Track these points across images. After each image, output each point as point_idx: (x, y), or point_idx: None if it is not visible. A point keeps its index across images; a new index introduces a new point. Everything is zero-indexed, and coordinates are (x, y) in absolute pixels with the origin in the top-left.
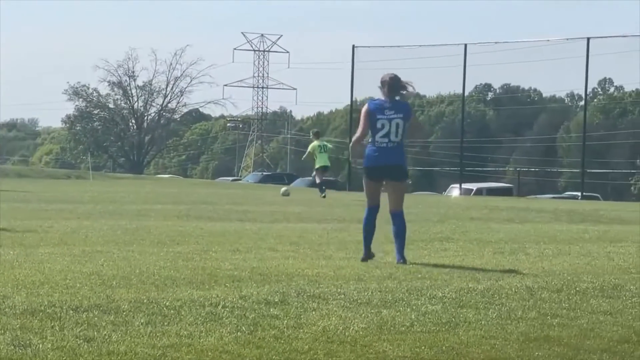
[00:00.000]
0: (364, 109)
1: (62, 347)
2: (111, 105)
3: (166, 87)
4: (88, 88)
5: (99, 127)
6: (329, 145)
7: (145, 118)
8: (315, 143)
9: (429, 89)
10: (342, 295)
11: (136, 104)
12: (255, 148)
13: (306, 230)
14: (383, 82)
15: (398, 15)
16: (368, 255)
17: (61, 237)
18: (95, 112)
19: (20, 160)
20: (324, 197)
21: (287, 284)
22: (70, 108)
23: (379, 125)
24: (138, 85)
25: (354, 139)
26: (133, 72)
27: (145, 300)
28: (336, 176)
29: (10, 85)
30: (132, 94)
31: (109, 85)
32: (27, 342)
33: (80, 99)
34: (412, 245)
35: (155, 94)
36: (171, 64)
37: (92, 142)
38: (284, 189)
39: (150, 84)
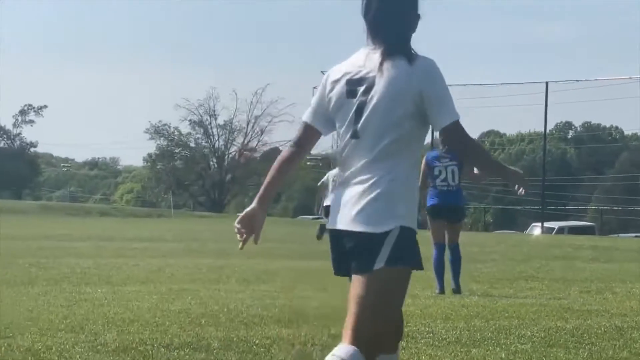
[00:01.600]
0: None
1: None
2: (192, 144)
3: (247, 126)
4: (169, 127)
5: (180, 166)
6: None
7: (226, 157)
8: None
9: (510, 127)
10: (431, 334)
11: (217, 142)
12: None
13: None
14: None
15: (479, 54)
16: (442, 289)
17: (147, 275)
18: (177, 150)
19: (101, 199)
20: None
21: None
22: (151, 147)
23: (436, 172)
24: (219, 124)
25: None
26: (214, 111)
27: (234, 339)
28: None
29: (92, 124)
30: (212, 132)
31: (190, 124)
32: None
33: (162, 138)
34: (498, 284)
35: (235, 132)
36: (252, 102)
37: (173, 180)
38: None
39: (231, 123)
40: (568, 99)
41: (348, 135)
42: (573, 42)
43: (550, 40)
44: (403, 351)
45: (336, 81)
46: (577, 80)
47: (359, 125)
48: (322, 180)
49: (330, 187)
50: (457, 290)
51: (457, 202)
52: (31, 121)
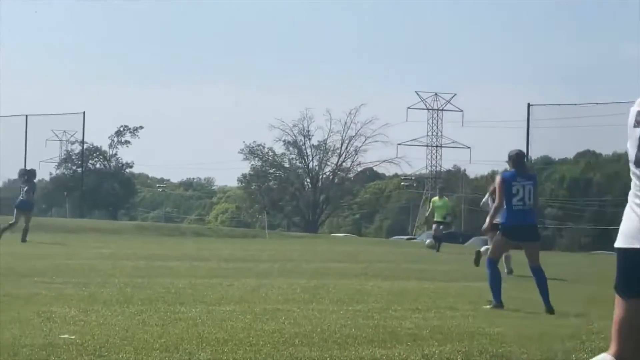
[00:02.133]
0: (498, 179)
1: None
2: (286, 165)
3: (341, 146)
4: (263, 147)
5: (274, 186)
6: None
7: (320, 177)
8: (435, 198)
9: (605, 147)
10: (525, 355)
11: (311, 163)
12: (428, 206)
13: (485, 288)
14: (510, 157)
15: (574, 73)
16: (501, 303)
17: (242, 295)
18: (271, 171)
19: (196, 219)
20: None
21: (469, 342)
22: (246, 167)
23: (514, 190)
24: (313, 145)
25: (494, 209)
26: (308, 131)
27: (328, 359)
28: None
29: (188, 145)
30: (307, 153)
31: (284, 144)
32: None
33: (256, 158)
34: (593, 305)
35: (329, 153)
36: (346, 123)
37: (268, 201)
38: (428, 241)
39: (325, 143)
40: None
41: (632, 161)
42: None
43: None
44: None
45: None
46: None
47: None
48: (483, 200)
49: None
50: (550, 310)
51: (533, 221)
52: (127, 142)
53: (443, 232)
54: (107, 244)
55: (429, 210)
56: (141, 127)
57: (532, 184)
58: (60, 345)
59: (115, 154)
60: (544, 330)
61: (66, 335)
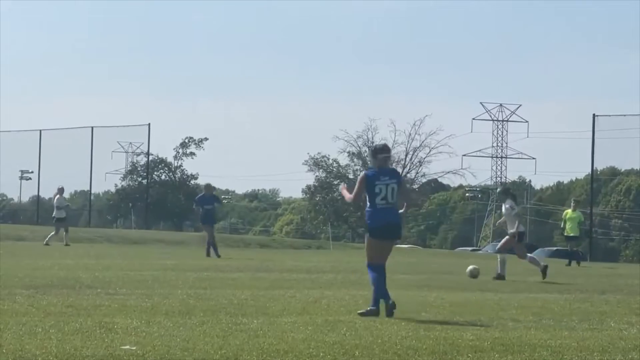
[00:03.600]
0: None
1: None
2: (351, 176)
3: (405, 157)
4: (328, 159)
5: (338, 197)
6: (578, 215)
7: None
8: (568, 211)
9: None
10: None
11: None
12: (495, 218)
13: (548, 300)
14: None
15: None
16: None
17: (304, 306)
18: (335, 182)
19: (261, 231)
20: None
21: (530, 354)
22: (310, 178)
23: (377, 190)
24: None
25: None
26: (372, 142)
27: None
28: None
29: (251, 156)
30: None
31: (348, 155)
32: None
33: (320, 170)
34: None
35: (394, 164)
36: (410, 134)
37: (332, 212)
38: (471, 267)
39: None
40: None
41: None
42: None
43: None
44: None
45: None
46: None
47: None
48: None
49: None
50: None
51: (398, 220)
52: (192, 153)
53: (574, 248)
54: (171, 255)
55: (563, 223)
56: (206, 139)
57: (395, 182)
58: (121, 356)
59: (180, 166)
60: (606, 343)
61: (127, 347)
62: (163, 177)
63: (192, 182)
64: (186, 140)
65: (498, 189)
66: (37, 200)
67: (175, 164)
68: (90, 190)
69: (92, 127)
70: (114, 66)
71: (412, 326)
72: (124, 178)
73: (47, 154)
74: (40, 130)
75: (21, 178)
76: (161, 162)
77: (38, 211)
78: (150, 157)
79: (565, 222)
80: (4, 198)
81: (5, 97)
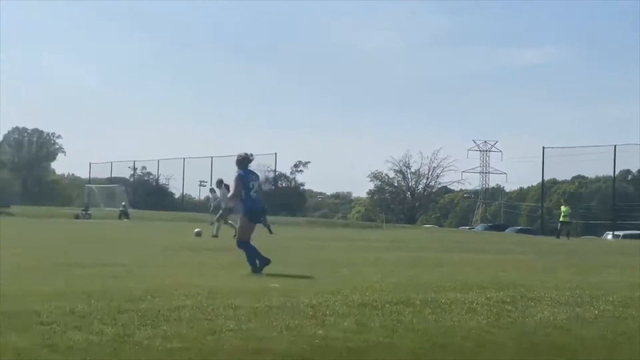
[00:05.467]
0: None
1: None
2: (395, 184)
3: (427, 172)
4: (382, 173)
5: (388, 197)
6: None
7: (415, 191)
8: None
9: None
10: None
11: (410, 183)
12: (481, 210)
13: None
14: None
15: None
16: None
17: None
18: (386, 187)
19: (341, 217)
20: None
21: None
22: (371, 185)
23: (250, 185)
24: (411, 172)
25: (232, 196)
26: (408, 163)
27: None
28: None
29: (337, 170)
30: (408, 177)
31: (394, 172)
32: None
33: (377, 180)
34: None
35: (421, 177)
36: (430, 158)
37: (385, 206)
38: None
39: (419, 171)
40: None
41: None
42: None
43: None
44: None
45: None
46: None
47: None
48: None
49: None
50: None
51: (264, 206)
52: (301, 170)
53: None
54: (293, 231)
55: (560, 214)
56: (309, 162)
57: (258, 179)
58: (269, 290)
59: (294, 178)
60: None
61: (274, 284)
62: (284, 184)
63: (301, 187)
64: (297, 163)
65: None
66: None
67: (291, 177)
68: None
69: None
70: (245, 102)
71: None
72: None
73: (217, 171)
74: (212, 157)
75: (199, 185)
76: (281, 176)
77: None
78: (277, 173)
79: (561, 213)
80: (190, 197)
81: (189, 127)
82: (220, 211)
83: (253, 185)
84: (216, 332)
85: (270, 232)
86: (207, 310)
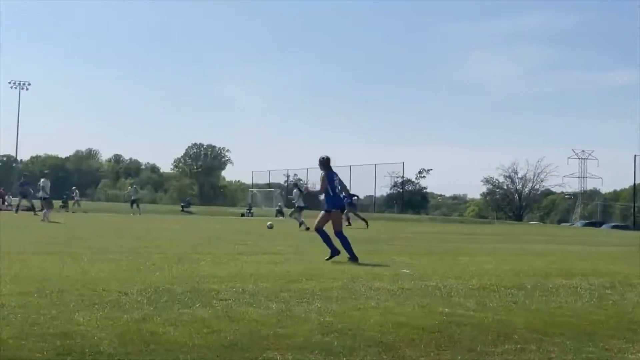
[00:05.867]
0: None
1: None
2: (505, 187)
3: (533, 177)
4: (493, 178)
5: (499, 198)
6: None
7: (522, 193)
8: None
9: None
10: None
11: (518, 186)
12: (580, 210)
13: None
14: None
15: None
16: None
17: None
18: (497, 190)
19: (458, 215)
20: None
21: None
22: (484, 188)
23: (335, 184)
24: (518, 177)
25: (319, 192)
26: (516, 169)
27: None
28: None
29: (456, 175)
30: (516, 181)
31: (503, 177)
32: None
33: (489, 184)
34: None
35: (527, 181)
36: (535, 165)
37: (496, 205)
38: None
39: (525, 176)
40: None
41: None
42: None
43: None
44: None
45: None
46: None
47: None
48: None
49: None
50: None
51: (344, 203)
52: (424, 176)
53: None
54: (418, 226)
55: None
56: (431, 169)
57: (338, 178)
58: (401, 275)
59: (419, 182)
60: None
61: (405, 270)
62: (410, 188)
63: (424, 190)
64: (421, 170)
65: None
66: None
67: (416, 182)
68: (375, 194)
69: (375, 165)
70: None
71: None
72: (390, 189)
73: (355, 178)
74: (350, 166)
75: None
76: (408, 182)
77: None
78: (402, 179)
79: None
80: None
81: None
82: (294, 208)
83: (336, 184)
84: (361, 309)
85: (349, 224)
86: (351, 291)
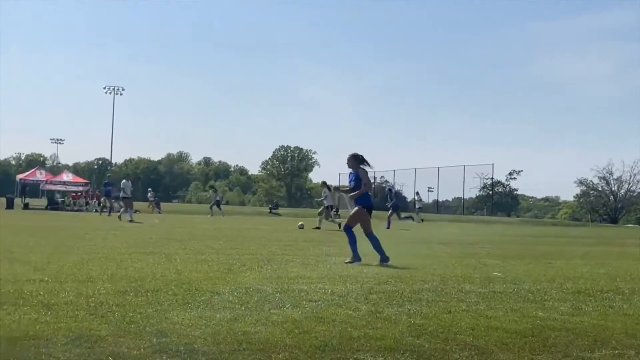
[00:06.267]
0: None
1: None
2: (599, 189)
3: (629, 179)
4: (587, 179)
5: (594, 200)
6: None
7: (618, 195)
8: None
9: None
10: None
11: (613, 187)
12: None
13: None
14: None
15: None
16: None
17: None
18: (591, 192)
19: (550, 217)
20: None
21: None
22: (577, 190)
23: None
24: (614, 178)
25: (368, 188)
26: (611, 171)
27: None
28: None
29: (552, 178)
30: (611, 182)
31: (598, 179)
32: None
33: (583, 185)
34: None
35: (623, 182)
36: (631, 166)
37: (590, 207)
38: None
39: (621, 177)
40: None
41: None
42: None
43: None
44: None
45: None
46: None
47: None
48: None
49: None
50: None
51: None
52: (514, 178)
53: None
54: (509, 228)
55: None
56: (521, 170)
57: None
58: (492, 278)
59: (509, 184)
60: None
61: (497, 273)
62: (500, 190)
63: (514, 192)
64: (511, 171)
65: None
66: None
67: (506, 183)
68: (463, 196)
69: (464, 166)
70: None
71: None
72: (479, 191)
73: (443, 179)
74: (438, 167)
75: (428, 191)
76: (498, 183)
77: (438, 208)
78: (491, 181)
79: None
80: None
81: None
82: (323, 207)
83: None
84: (451, 312)
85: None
86: (442, 294)
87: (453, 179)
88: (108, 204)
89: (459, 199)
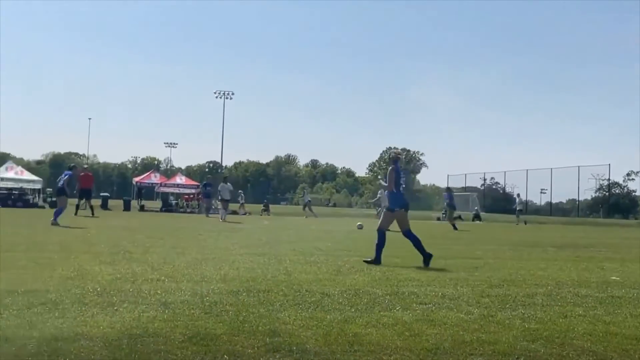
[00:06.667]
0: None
1: None
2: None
3: None
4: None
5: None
6: None
7: None
8: None
9: None
10: None
11: None
12: None
13: None
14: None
15: None
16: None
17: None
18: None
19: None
20: None
21: None
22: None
23: (401, 181)
24: None
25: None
26: None
27: None
28: None
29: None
30: None
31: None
32: None
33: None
34: None
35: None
36: None
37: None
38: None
39: None
40: None
41: None
42: None
43: None
44: None
45: None
46: None
47: None
48: None
49: None
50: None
51: (408, 202)
52: (633, 179)
53: None
54: (627, 231)
55: None
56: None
57: (408, 175)
58: (610, 282)
59: (627, 185)
60: None
61: (614, 277)
62: (617, 191)
63: (632, 194)
64: (629, 172)
65: None
66: (549, 205)
67: (624, 185)
68: (578, 198)
69: (579, 167)
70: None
71: None
72: (595, 192)
73: (556, 180)
74: (551, 169)
75: (540, 192)
76: (616, 184)
77: (551, 210)
78: (608, 182)
79: None
80: (532, 203)
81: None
82: (380, 208)
83: (403, 182)
84: (567, 316)
85: (455, 228)
86: (557, 298)
87: (567, 180)
88: (205, 205)
89: (573, 200)
